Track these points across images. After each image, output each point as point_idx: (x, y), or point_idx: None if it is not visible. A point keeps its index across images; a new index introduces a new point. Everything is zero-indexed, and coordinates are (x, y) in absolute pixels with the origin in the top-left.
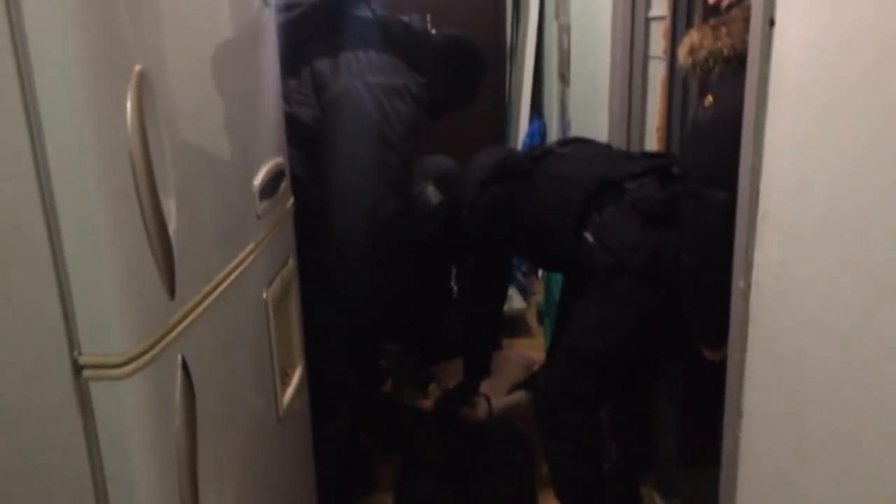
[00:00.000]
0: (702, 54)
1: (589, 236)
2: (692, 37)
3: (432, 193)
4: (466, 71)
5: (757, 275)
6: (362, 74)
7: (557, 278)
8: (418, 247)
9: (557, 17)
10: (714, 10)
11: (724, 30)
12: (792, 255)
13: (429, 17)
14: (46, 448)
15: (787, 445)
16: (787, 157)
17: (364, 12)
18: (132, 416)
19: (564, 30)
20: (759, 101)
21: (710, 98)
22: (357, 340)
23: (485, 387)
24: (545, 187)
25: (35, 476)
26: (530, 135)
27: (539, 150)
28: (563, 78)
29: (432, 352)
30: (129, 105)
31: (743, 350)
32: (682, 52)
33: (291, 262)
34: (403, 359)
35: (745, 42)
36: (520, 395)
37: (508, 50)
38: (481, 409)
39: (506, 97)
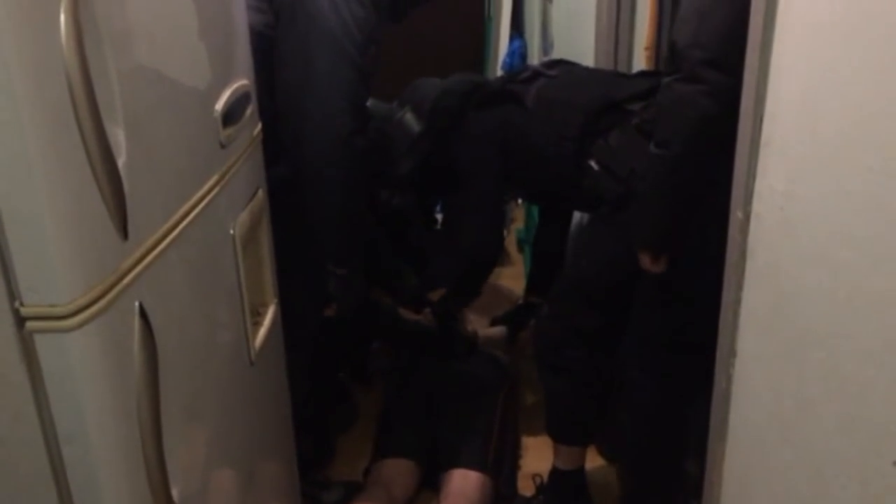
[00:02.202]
0: None
1: (593, 164)
2: None
3: (412, 121)
4: None
5: (757, 206)
6: None
7: None
8: (401, 181)
9: None
10: None
11: None
12: (798, 184)
13: None
14: None
15: (785, 388)
16: (797, 78)
17: None
18: (83, 371)
19: None
20: (768, 11)
21: None
22: (305, 263)
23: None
24: (539, 112)
25: None
26: (510, 54)
27: (528, 72)
28: None
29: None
30: (62, 17)
31: (739, 286)
32: None
33: (261, 194)
34: (351, 284)
35: None
36: (502, 329)
37: None
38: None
39: (485, 12)
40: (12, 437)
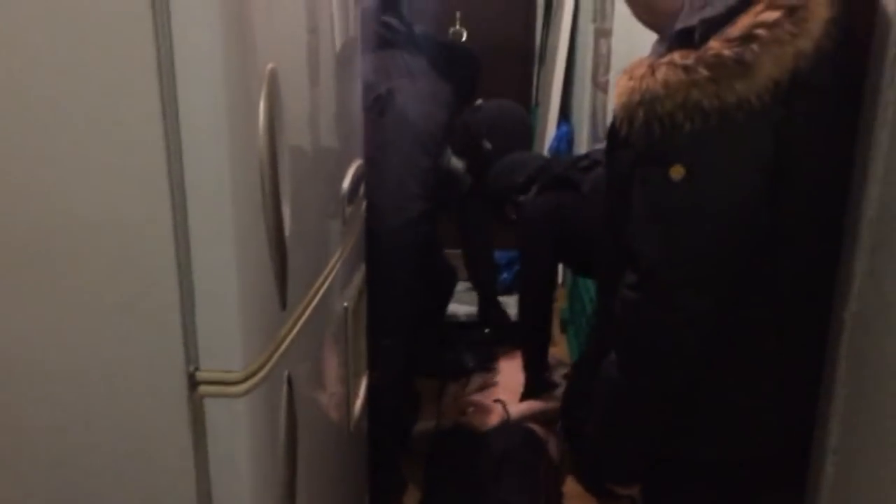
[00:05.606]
0: (668, 105)
1: None
2: (647, 80)
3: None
4: (471, 72)
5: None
6: (412, 76)
7: (586, 284)
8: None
9: (595, 20)
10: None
11: (702, 71)
12: None
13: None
14: (152, 465)
15: None
16: None
17: (393, 20)
18: (245, 435)
19: (603, 34)
20: None
21: (678, 169)
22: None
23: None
24: (593, 199)
25: (139, 497)
26: (557, 139)
27: (587, 161)
28: (598, 83)
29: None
30: (261, 105)
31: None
32: (626, 100)
33: (363, 268)
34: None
35: (733, 91)
36: (536, 403)
37: (537, 52)
38: (496, 415)
39: (532, 100)
40: (170, 496)
